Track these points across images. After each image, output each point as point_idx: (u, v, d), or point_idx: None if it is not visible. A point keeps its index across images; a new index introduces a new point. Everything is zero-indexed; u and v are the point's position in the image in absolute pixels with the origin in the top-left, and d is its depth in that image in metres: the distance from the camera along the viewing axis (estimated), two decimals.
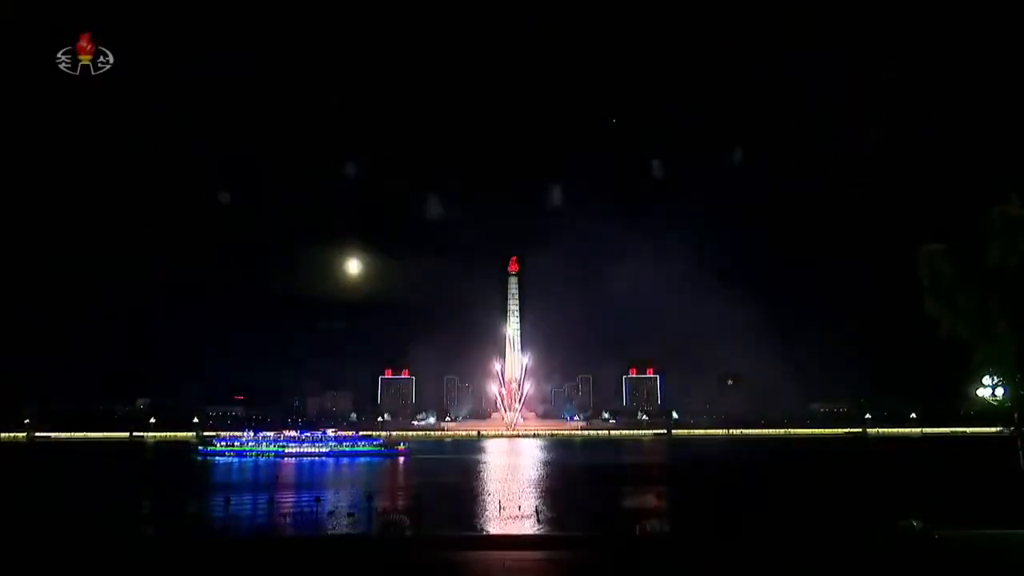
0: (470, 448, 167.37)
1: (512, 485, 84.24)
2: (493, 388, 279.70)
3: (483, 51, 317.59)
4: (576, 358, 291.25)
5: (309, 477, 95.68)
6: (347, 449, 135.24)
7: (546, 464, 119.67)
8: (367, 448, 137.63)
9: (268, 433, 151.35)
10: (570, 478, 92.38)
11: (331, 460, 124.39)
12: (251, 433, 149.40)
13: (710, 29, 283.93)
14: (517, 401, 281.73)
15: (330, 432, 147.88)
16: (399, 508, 58.78)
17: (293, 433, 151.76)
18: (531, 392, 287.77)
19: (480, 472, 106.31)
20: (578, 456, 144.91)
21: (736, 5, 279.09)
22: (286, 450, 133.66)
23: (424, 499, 67.21)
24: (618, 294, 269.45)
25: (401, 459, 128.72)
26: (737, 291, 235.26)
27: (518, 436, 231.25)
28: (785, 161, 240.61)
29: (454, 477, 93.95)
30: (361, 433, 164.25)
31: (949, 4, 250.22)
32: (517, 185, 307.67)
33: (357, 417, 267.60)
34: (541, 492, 76.22)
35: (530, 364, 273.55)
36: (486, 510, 61.15)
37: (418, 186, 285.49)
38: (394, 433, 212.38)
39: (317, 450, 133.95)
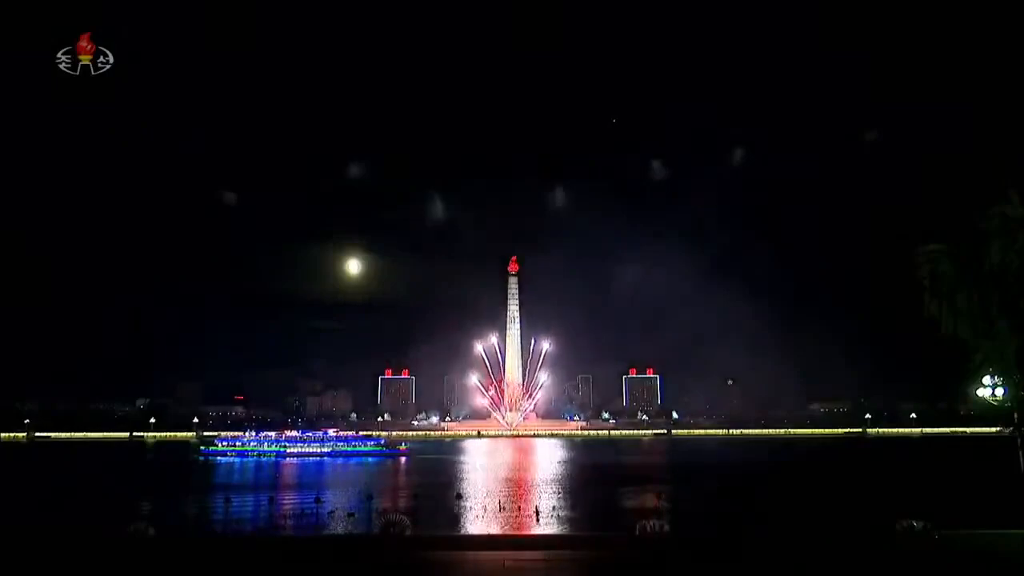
0: (471, 448, 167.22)
1: (513, 484, 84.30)
2: (478, 388, 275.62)
3: (485, 51, 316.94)
4: (576, 357, 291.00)
5: (310, 477, 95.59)
6: (348, 449, 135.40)
7: (547, 463, 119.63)
8: (368, 448, 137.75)
9: (270, 433, 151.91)
10: (570, 477, 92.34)
11: (333, 460, 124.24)
12: (252, 433, 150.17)
13: (710, 28, 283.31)
14: (525, 398, 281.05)
15: (331, 432, 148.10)
16: (399, 508, 58.78)
17: (295, 433, 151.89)
18: (543, 390, 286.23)
19: (481, 472, 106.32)
20: (578, 455, 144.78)
21: (737, 4, 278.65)
22: (288, 450, 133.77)
23: (424, 499, 67.35)
24: (619, 294, 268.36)
25: (403, 459, 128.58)
26: (738, 291, 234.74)
27: (519, 436, 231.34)
28: (785, 161, 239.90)
29: (455, 477, 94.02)
30: (362, 433, 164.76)
31: (949, 3, 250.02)
32: (518, 185, 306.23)
33: (357, 417, 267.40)
34: (541, 491, 76.28)
35: (550, 349, 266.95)
36: (487, 509, 61.14)
37: (418, 186, 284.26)
38: (395, 433, 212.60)
39: (319, 450, 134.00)
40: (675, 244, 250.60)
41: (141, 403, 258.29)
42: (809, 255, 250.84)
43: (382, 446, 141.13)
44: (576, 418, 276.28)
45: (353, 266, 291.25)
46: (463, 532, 46.92)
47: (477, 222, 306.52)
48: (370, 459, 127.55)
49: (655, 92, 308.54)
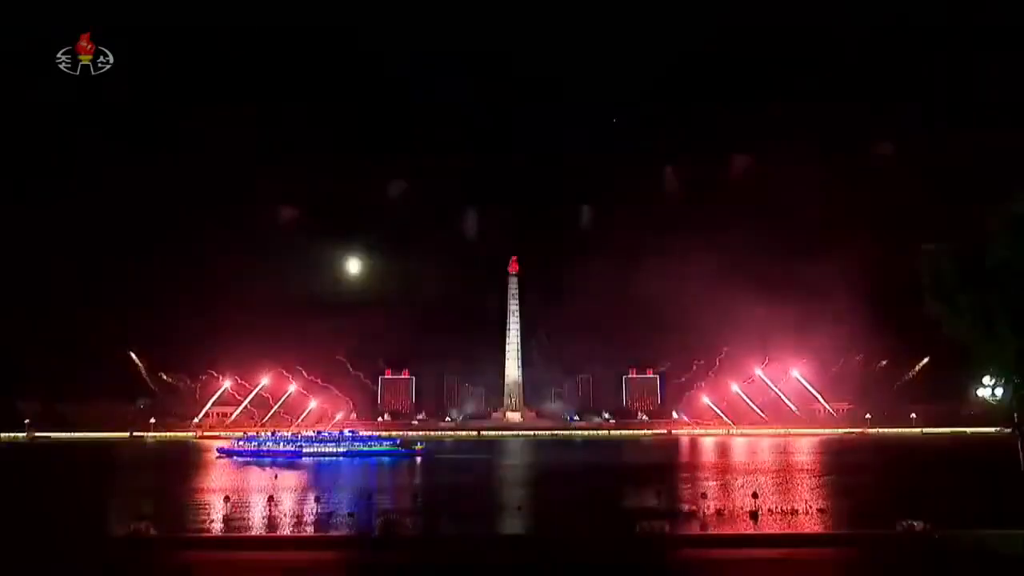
0: (486, 447, 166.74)
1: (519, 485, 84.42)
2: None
3: (487, 48, 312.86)
4: (576, 357, 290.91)
5: (322, 477, 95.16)
6: (364, 449, 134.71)
7: (556, 462, 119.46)
8: (384, 448, 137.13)
9: (285, 433, 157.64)
10: (569, 477, 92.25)
11: (349, 460, 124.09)
12: (268, 433, 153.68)
13: (711, 29, 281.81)
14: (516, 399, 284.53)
15: (347, 431, 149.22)
16: (402, 508, 58.70)
17: (310, 433, 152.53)
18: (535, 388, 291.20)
19: (496, 471, 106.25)
20: (580, 455, 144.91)
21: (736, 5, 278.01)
22: (304, 450, 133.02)
23: (432, 499, 67.34)
24: (620, 293, 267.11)
25: (418, 459, 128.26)
26: (738, 291, 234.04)
27: (520, 434, 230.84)
28: (787, 161, 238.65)
29: (469, 476, 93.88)
30: (378, 433, 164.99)
31: (949, 2, 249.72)
32: (519, 186, 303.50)
33: (357, 417, 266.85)
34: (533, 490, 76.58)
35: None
36: (494, 509, 61.15)
37: (419, 185, 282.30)
38: (410, 433, 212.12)
39: (334, 450, 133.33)
40: (677, 243, 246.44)
41: (141, 403, 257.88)
42: (811, 254, 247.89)
43: (397, 446, 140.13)
44: (576, 418, 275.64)
45: (353, 265, 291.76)
46: (463, 531, 46.37)
47: (478, 221, 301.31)
48: (385, 459, 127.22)
49: (652, 93, 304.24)
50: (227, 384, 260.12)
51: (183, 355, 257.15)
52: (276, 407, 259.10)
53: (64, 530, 41.69)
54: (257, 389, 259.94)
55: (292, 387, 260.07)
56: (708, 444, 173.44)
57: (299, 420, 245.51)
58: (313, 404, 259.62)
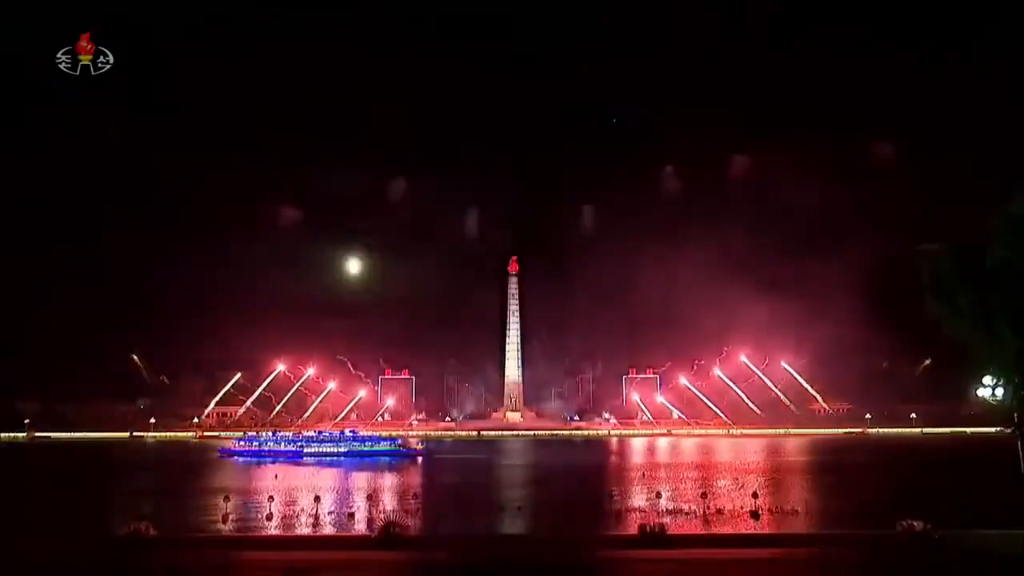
0: (486, 447, 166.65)
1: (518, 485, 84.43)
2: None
3: (489, 50, 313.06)
4: (576, 357, 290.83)
5: (323, 477, 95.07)
6: (364, 449, 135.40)
7: (555, 462, 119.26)
8: (384, 448, 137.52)
9: (286, 433, 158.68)
10: (569, 477, 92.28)
11: (350, 460, 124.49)
12: (270, 433, 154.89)
13: (712, 27, 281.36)
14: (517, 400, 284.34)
15: (348, 432, 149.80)
16: (402, 508, 58.83)
17: (311, 433, 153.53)
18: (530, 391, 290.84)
19: (496, 471, 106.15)
20: (580, 455, 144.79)
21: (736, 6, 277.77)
22: (305, 450, 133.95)
23: (432, 499, 67.54)
24: (620, 293, 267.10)
25: (419, 459, 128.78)
26: (738, 291, 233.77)
27: (519, 434, 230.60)
28: (787, 161, 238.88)
29: (469, 476, 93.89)
30: (379, 433, 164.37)
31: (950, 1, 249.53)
32: (519, 185, 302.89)
33: (357, 417, 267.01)
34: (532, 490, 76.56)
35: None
36: (494, 509, 61.24)
37: (418, 184, 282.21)
38: (410, 433, 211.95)
39: (335, 450, 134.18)
40: (677, 243, 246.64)
41: (141, 403, 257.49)
42: (811, 255, 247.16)
43: (397, 446, 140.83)
44: (576, 418, 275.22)
45: (353, 265, 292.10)
46: (466, 531, 46.62)
47: (479, 220, 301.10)
48: (385, 459, 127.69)
49: (655, 93, 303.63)
50: (238, 376, 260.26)
51: (184, 355, 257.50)
52: (280, 406, 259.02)
53: (64, 530, 41.81)
54: (269, 379, 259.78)
55: (311, 370, 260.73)
56: (708, 445, 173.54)
57: (301, 420, 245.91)
58: (331, 386, 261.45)
